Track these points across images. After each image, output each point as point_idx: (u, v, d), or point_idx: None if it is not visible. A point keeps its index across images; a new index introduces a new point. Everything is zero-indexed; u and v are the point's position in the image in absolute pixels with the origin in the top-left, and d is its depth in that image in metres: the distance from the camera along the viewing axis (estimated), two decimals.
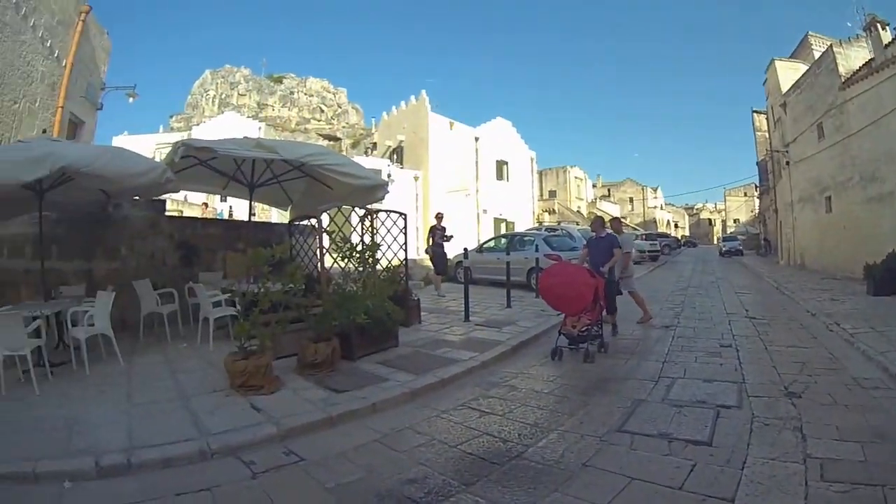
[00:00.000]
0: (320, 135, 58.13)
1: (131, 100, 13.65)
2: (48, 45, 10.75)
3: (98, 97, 13.01)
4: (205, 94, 62.10)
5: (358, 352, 6.41)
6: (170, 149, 7.24)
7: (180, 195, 22.70)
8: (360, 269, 7.19)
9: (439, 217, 12.94)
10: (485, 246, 16.33)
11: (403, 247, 8.64)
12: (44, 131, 10.12)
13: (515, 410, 4.81)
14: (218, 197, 20.02)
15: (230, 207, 26.08)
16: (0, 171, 6.02)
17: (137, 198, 9.29)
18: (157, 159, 9.24)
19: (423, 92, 31.03)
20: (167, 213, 11.36)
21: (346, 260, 7.09)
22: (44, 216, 7.84)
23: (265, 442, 4.19)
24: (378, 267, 7.64)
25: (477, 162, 30.37)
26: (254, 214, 25.57)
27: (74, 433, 4.64)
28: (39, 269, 7.59)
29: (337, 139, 55.86)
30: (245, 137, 8.83)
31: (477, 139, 31.00)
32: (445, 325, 8.82)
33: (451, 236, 12.78)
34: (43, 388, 5.87)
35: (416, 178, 28.87)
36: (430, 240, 12.64)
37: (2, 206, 7.87)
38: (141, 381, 6.08)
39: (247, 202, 9.63)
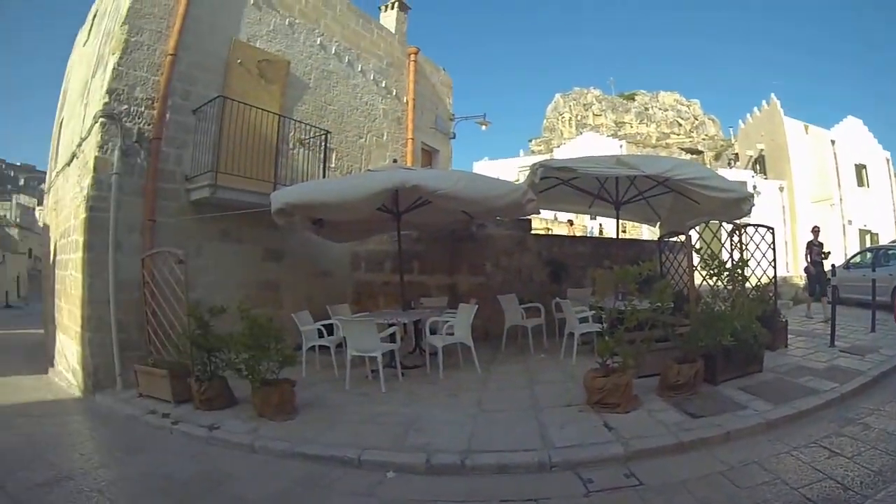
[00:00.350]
0: (682, 149, 55.54)
1: (483, 127, 14.97)
2: (383, 85, 12.28)
3: (448, 127, 14.44)
4: (559, 117, 64.61)
5: (721, 375, 6.05)
6: (528, 171, 7.77)
7: (549, 214, 24.23)
8: (729, 287, 6.83)
9: (815, 231, 11.86)
10: (851, 262, 14.77)
11: (772, 263, 8.01)
12: (395, 160, 11.60)
13: (864, 453, 4.22)
14: (587, 216, 20.51)
15: (600, 225, 26.87)
16: (354, 190, 7.02)
17: (499, 218, 9.90)
18: (520, 181, 9.84)
19: (773, 96, 29.52)
20: (533, 232, 11.96)
21: (714, 277, 6.77)
22: (403, 235, 8.72)
23: (609, 461, 4.12)
24: (746, 285, 7.20)
25: (837, 167, 27.02)
26: (624, 231, 25.92)
27: (412, 430, 4.96)
28: (398, 281, 8.34)
29: (699, 152, 52.70)
30: (603, 155, 9.17)
31: (833, 142, 27.44)
32: (810, 350, 7.99)
33: (829, 252, 11.74)
34: (391, 388, 6.40)
35: (780, 189, 27.13)
36: (808, 256, 11.74)
37: (360, 227, 9.15)
38: (495, 390, 6.34)
39: (615, 220, 9.91)
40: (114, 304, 7.52)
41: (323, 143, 9.57)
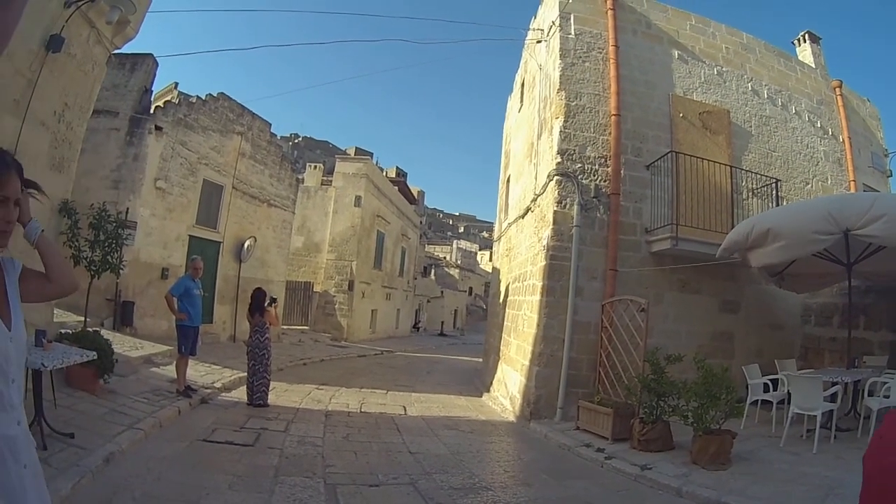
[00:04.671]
0: None
1: None
2: (818, 125, 11.23)
3: (885, 164, 12.63)
4: None
5: None
6: None
7: None
8: None
9: None
10: None
11: None
12: None
13: None
14: None
15: None
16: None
17: None
18: None
19: None
20: None
21: None
22: (854, 287, 7.82)
23: None
24: None
25: None
26: None
27: (832, 495, 4.72)
28: (845, 337, 7.65)
29: None
30: None
31: None
32: None
33: None
34: (821, 449, 6.02)
35: None
36: None
37: (814, 276, 8.28)
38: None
39: None
40: (568, 343, 8.12)
41: (774, 191, 9.18)
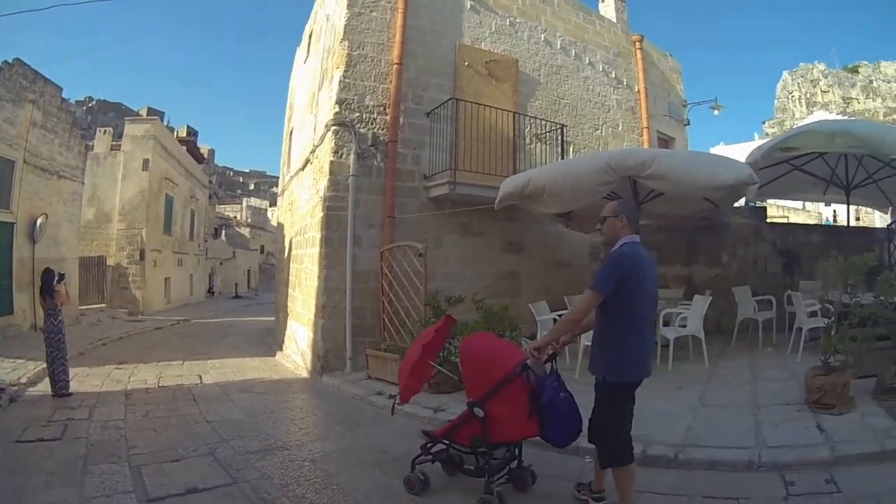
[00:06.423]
0: None
1: (716, 112, 13.93)
2: (612, 76, 11.84)
3: (682, 114, 13.52)
4: (789, 97, 62.73)
5: None
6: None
7: (789, 202, 23.77)
8: None
9: None
10: None
11: None
12: None
13: None
14: (822, 203, 18.67)
15: (834, 212, 24.40)
16: (570, 170, 6.61)
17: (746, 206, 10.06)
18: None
19: None
20: (769, 220, 11.49)
21: None
22: (645, 225, 8.31)
23: (814, 465, 3.99)
24: None
25: None
26: (858, 219, 23.77)
27: (634, 421, 4.64)
28: None
29: None
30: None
31: None
32: None
33: None
34: None
35: None
36: None
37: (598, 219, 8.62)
38: (719, 385, 6.27)
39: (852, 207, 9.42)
40: (350, 293, 8.02)
41: (560, 137, 9.42)
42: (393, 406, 4.14)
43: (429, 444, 3.78)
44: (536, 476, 3.73)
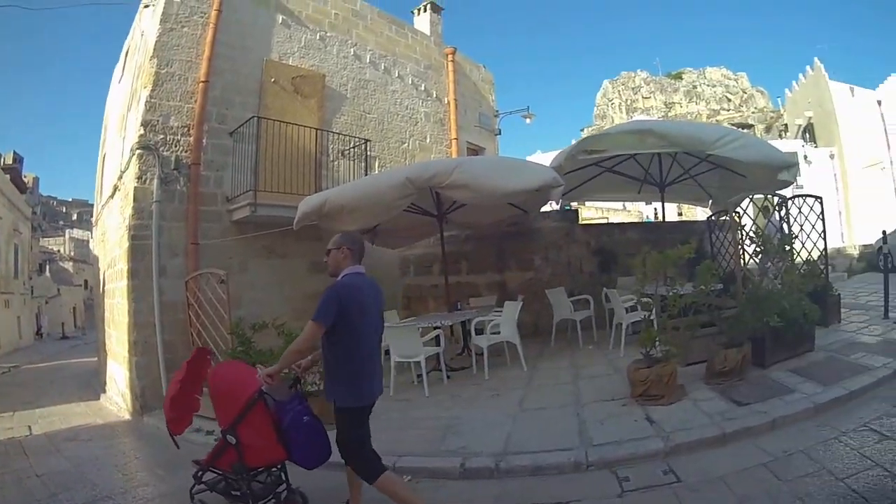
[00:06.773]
0: (732, 124, 53.68)
1: (528, 120, 14.60)
2: (422, 88, 12.21)
3: (493, 124, 14.16)
4: (609, 104, 64.31)
5: (770, 358, 5.68)
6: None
7: (607, 204, 24.62)
8: (777, 264, 6.54)
9: None
10: None
11: (822, 235, 7.84)
12: None
13: None
14: (644, 201, 20.35)
15: (654, 210, 26.22)
16: (367, 187, 7.12)
17: (556, 210, 10.39)
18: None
19: (817, 60, 28.42)
20: (582, 222, 11.85)
21: (759, 255, 6.60)
22: (454, 236, 8.94)
23: (648, 457, 3.99)
24: (797, 260, 7.00)
25: (885, 129, 25.47)
26: (681, 214, 25.49)
27: (450, 434, 4.91)
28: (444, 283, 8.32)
29: (749, 126, 50.62)
30: (634, 121, 8.92)
31: (879, 103, 25.81)
32: (864, 323, 7.52)
33: None
34: (435, 391, 6.39)
35: (831, 156, 26.24)
36: None
37: (409, 232, 9.03)
38: (538, 387, 6.27)
39: (674, 204, 10.16)
40: (159, 326, 7.65)
41: (364, 153, 9.54)
42: (173, 439, 4.10)
43: (199, 473, 3.83)
44: (307, 498, 3.80)
